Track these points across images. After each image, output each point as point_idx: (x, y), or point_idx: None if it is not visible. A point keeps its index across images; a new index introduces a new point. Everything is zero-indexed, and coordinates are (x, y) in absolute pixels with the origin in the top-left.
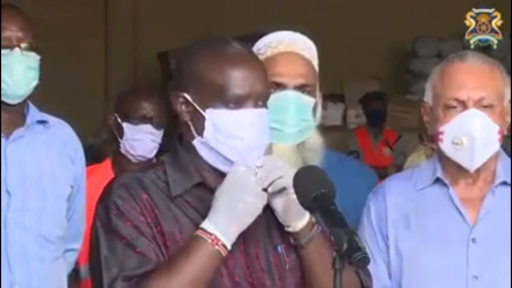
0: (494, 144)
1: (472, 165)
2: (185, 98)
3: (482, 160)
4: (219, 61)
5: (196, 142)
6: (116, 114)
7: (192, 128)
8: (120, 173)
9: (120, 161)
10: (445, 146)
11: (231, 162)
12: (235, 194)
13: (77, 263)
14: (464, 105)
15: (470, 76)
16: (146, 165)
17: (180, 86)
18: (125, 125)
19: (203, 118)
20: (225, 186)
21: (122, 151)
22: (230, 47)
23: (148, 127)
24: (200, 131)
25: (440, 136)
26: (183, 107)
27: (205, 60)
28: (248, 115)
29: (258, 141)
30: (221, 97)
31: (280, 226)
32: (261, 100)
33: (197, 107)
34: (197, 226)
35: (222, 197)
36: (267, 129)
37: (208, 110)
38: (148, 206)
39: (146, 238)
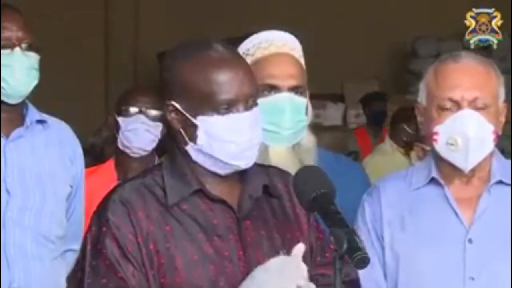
0: (489, 145)
1: (466, 166)
2: (174, 107)
3: (477, 160)
4: (203, 67)
5: (190, 149)
6: (114, 113)
7: (184, 135)
8: (122, 172)
9: (122, 160)
10: (440, 146)
11: (227, 165)
12: None
13: None
14: (458, 105)
15: (464, 76)
16: (146, 169)
17: (167, 94)
18: (120, 119)
19: (195, 126)
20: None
21: (120, 146)
22: (211, 51)
23: (141, 117)
24: (193, 138)
25: (435, 137)
26: (173, 115)
27: (188, 68)
28: (239, 119)
29: (252, 142)
30: (210, 104)
31: (281, 231)
32: (251, 100)
33: (188, 115)
34: (192, 240)
35: None
36: (259, 127)
37: (199, 118)
38: (144, 223)
39: (130, 261)
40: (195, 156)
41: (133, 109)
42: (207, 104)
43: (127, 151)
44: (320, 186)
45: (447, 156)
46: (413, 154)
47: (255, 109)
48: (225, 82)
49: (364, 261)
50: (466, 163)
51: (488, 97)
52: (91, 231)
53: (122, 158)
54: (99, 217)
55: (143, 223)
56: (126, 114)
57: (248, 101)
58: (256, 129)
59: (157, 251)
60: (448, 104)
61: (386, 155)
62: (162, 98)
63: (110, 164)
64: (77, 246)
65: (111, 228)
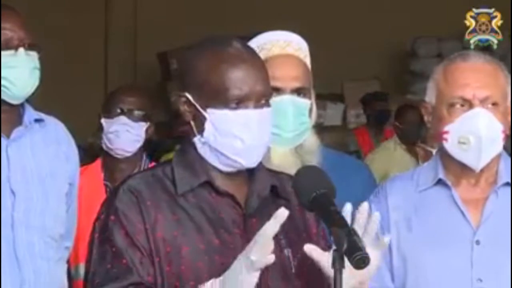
0: (499, 144)
1: (478, 165)
2: (187, 98)
3: (488, 159)
4: (218, 61)
5: (197, 141)
6: (101, 114)
7: (194, 127)
8: (109, 173)
9: (108, 161)
10: (450, 145)
11: (230, 160)
12: None
13: (68, 263)
14: (469, 104)
15: (475, 75)
16: (158, 163)
17: (182, 85)
18: (103, 120)
19: (204, 118)
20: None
21: (104, 147)
22: (229, 46)
23: (122, 119)
24: (201, 130)
25: (445, 136)
26: (185, 106)
27: (205, 60)
28: (248, 116)
29: (258, 142)
30: (221, 98)
31: (286, 231)
32: (263, 99)
33: (198, 107)
34: (199, 230)
35: None
36: (268, 128)
37: (209, 110)
38: (152, 212)
39: (138, 249)
40: (201, 149)
41: (115, 110)
42: (218, 98)
43: (111, 152)
44: (320, 186)
45: (458, 155)
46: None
47: (265, 109)
48: (238, 78)
49: (364, 261)
50: (478, 162)
51: (498, 96)
52: (100, 220)
53: (108, 159)
54: (108, 206)
55: (152, 211)
56: (109, 115)
57: (260, 100)
58: (265, 129)
59: (164, 239)
60: (459, 103)
61: (389, 151)
62: (177, 90)
63: (97, 164)
64: (69, 243)
65: (119, 216)
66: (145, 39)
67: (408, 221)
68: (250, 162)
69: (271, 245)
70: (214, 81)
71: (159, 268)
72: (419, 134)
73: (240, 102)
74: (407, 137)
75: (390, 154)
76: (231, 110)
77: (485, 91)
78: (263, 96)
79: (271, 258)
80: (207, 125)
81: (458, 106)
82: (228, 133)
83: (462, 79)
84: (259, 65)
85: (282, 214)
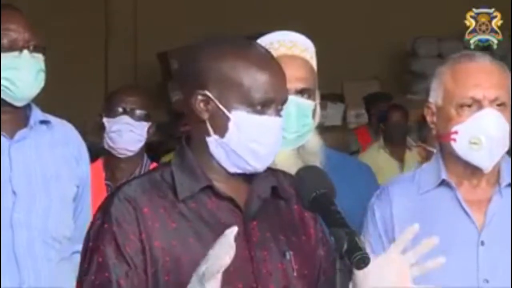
0: (507, 144)
1: (488, 165)
2: (207, 96)
3: (497, 159)
4: (247, 62)
5: (212, 141)
6: (102, 114)
7: (209, 126)
8: (110, 172)
9: (109, 160)
10: (460, 146)
11: (247, 164)
12: None
13: None
14: (479, 104)
15: (484, 76)
16: (157, 166)
17: (197, 83)
18: (105, 120)
19: (227, 118)
20: None
21: (106, 147)
22: (255, 48)
23: (124, 118)
24: (220, 130)
25: (453, 136)
26: (202, 105)
27: (230, 60)
28: (271, 122)
29: (276, 147)
30: (248, 100)
31: (287, 233)
32: (281, 105)
33: (221, 107)
34: (198, 238)
35: None
36: (281, 134)
37: (234, 112)
38: (149, 220)
39: (126, 261)
40: (214, 149)
41: (117, 109)
42: (245, 99)
43: (113, 151)
44: (320, 186)
45: (467, 156)
46: (408, 156)
47: (281, 117)
48: (268, 81)
49: (364, 261)
50: (489, 162)
51: (505, 96)
52: (94, 227)
53: (109, 158)
54: (103, 214)
55: (149, 220)
56: (111, 114)
57: (278, 106)
58: (280, 136)
59: (163, 248)
60: (469, 103)
61: (372, 156)
62: (189, 87)
63: (98, 164)
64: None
65: (113, 225)
66: (145, 39)
67: (413, 223)
68: (263, 167)
69: (226, 257)
70: (243, 82)
71: (155, 279)
72: (406, 135)
73: (265, 106)
74: (392, 139)
75: (374, 159)
76: (256, 114)
77: (494, 91)
78: (283, 101)
79: (224, 260)
80: (231, 127)
81: (468, 106)
82: (251, 137)
83: (472, 79)
84: (281, 69)
85: (232, 231)
